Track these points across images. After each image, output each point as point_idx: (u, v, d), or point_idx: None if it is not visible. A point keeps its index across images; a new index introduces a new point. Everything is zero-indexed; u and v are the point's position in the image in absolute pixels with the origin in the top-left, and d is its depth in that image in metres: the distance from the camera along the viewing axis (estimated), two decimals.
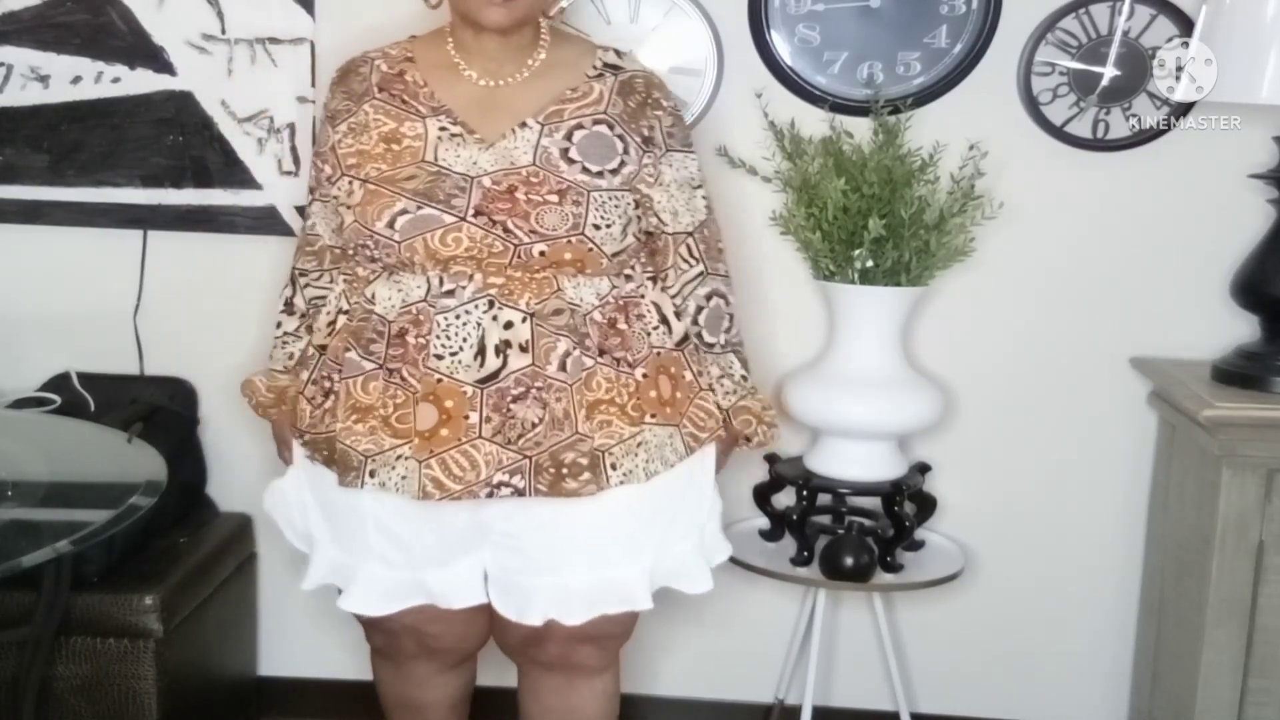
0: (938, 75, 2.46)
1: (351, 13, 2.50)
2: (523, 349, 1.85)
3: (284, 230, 2.58)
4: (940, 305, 2.55)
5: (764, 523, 2.52)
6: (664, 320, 2.00)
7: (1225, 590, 2.27)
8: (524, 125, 1.88)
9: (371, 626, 2.13)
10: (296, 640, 2.77)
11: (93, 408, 2.53)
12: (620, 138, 1.92)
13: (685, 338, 2.03)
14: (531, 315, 1.85)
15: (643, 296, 1.98)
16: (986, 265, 2.49)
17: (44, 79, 2.56)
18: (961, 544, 2.56)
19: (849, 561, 2.34)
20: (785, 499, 2.49)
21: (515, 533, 1.94)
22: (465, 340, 1.84)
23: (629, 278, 1.97)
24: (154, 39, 2.54)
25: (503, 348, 1.84)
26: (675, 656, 2.74)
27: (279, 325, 2.13)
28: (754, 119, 2.47)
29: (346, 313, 1.96)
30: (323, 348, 2.00)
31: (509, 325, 1.85)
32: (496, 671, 2.33)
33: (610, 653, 2.10)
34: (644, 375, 1.94)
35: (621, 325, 1.93)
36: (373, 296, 1.90)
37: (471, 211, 1.83)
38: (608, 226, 1.87)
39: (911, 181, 2.33)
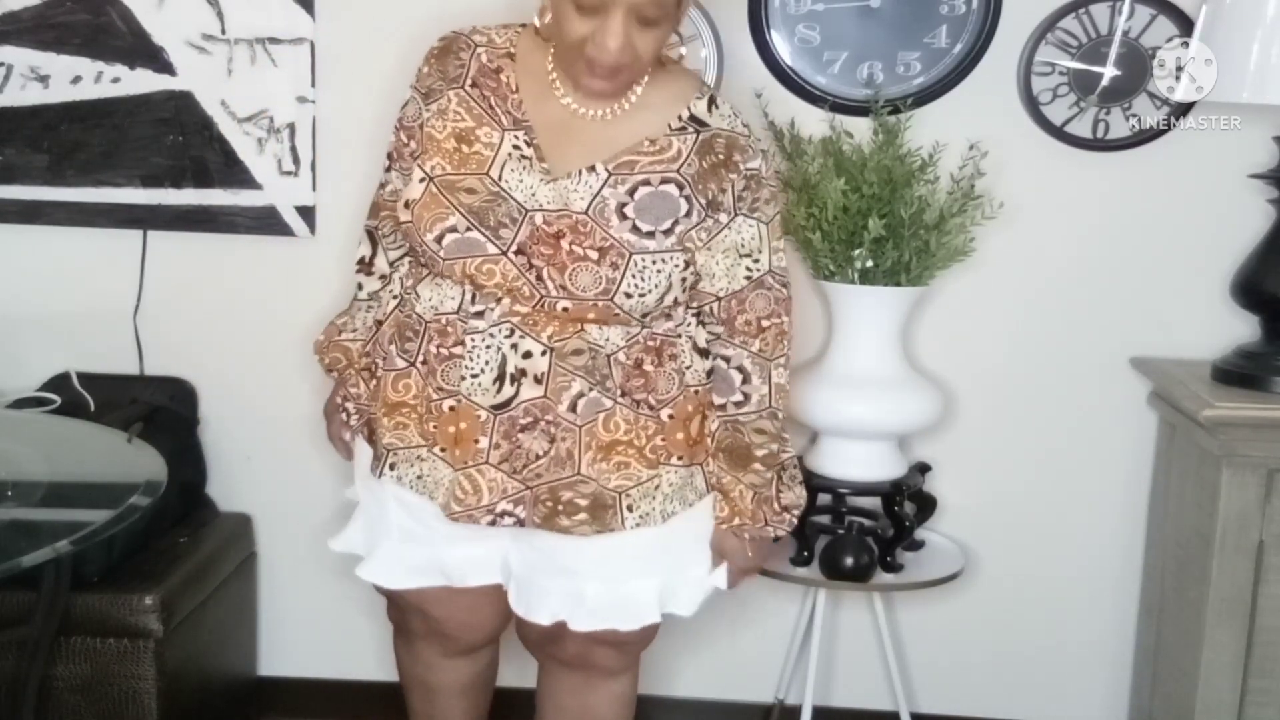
0: (938, 75, 2.46)
1: (351, 13, 2.50)
2: (537, 380, 1.84)
3: (284, 230, 2.58)
4: (940, 305, 2.55)
5: None
6: (698, 355, 1.94)
7: (1225, 590, 2.27)
8: (592, 169, 1.83)
9: (390, 602, 2.16)
10: (296, 640, 2.77)
11: (93, 408, 2.53)
12: (687, 199, 1.83)
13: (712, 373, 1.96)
14: (551, 350, 1.83)
15: (679, 336, 1.91)
16: (986, 265, 2.49)
17: (44, 79, 2.56)
18: (961, 544, 2.56)
19: (849, 561, 2.34)
20: None
21: (544, 536, 1.93)
22: (488, 364, 1.84)
23: (668, 317, 1.89)
24: (154, 39, 2.54)
25: (518, 376, 1.84)
26: (675, 657, 2.74)
27: (360, 286, 2.09)
28: (754, 119, 2.46)
29: (399, 299, 1.98)
30: (379, 323, 2.02)
31: (527, 355, 1.83)
32: (516, 672, 2.34)
33: (629, 656, 2.10)
34: (670, 417, 1.90)
35: (648, 366, 1.88)
36: (419, 294, 1.90)
37: (514, 248, 1.81)
38: (641, 296, 1.81)
39: (911, 181, 2.33)
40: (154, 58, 2.54)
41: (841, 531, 2.40)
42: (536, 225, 1.80)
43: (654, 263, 1.82)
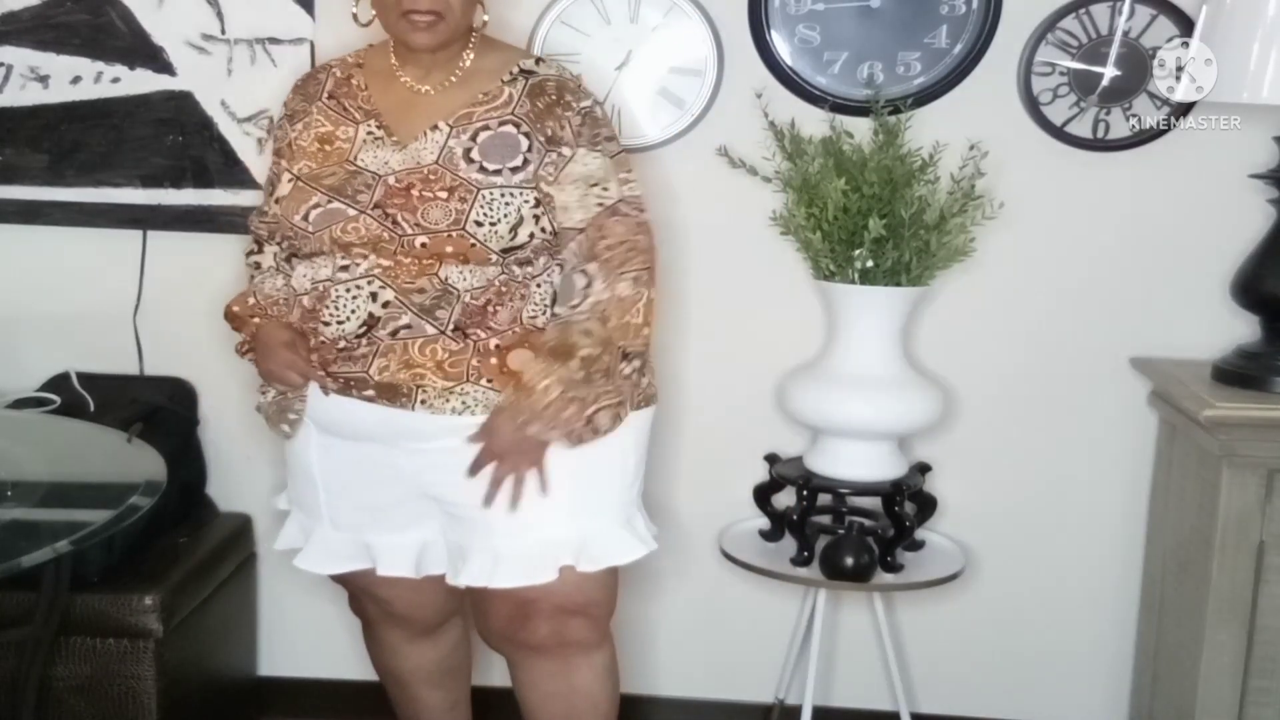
0: (938, 75, 2.46)
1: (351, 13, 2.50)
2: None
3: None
4: (940, 305, 2.55)
5: (764, 523, 2.52)
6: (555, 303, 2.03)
7: (1225, 590, 2.27)
8: (435, 128, 2.00)
9: (349, 594, 2.29)
10: (296, 640, 2.77)
11: (93, 408, 2.53)
12: (526, 135, 1.99)
13: None
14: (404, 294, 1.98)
15: (530, 281, 2.00)
16: (986, 265, 2.49)
17: (44, 79, 2.56)
18: (961, 544, 2.56)
19: (849, 561, 2.34)
20: (785, 499, 2.49)
21: (460, 502, 2.02)
22: (354, 312, 1.98)
23: (530, 263, 2.00)
24: (154, 39, 2.54)
25: (374, 322, 1.98)
26: (675, 656, 2.74)
27: (257, 265, 2.17)
28: (754, 119, 2.47)
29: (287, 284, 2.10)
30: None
31: (386, 305, 1.98)
32: (501, 672, 2.33)
33: (601, 624, 2.12)
34: (497, 345, 1.98)
35: (490, 308, 1.98)
36: (295, 271, 2.05)
37: (372, 205, 1.97)
38: (491, 224, 1.95)
39: (912, 181, 2.33)
40: (154, 58, 2.54)
41: (841, 531, 2.41)
42: (390, 185, 1.98)
43: (501, 195, 1.96)
